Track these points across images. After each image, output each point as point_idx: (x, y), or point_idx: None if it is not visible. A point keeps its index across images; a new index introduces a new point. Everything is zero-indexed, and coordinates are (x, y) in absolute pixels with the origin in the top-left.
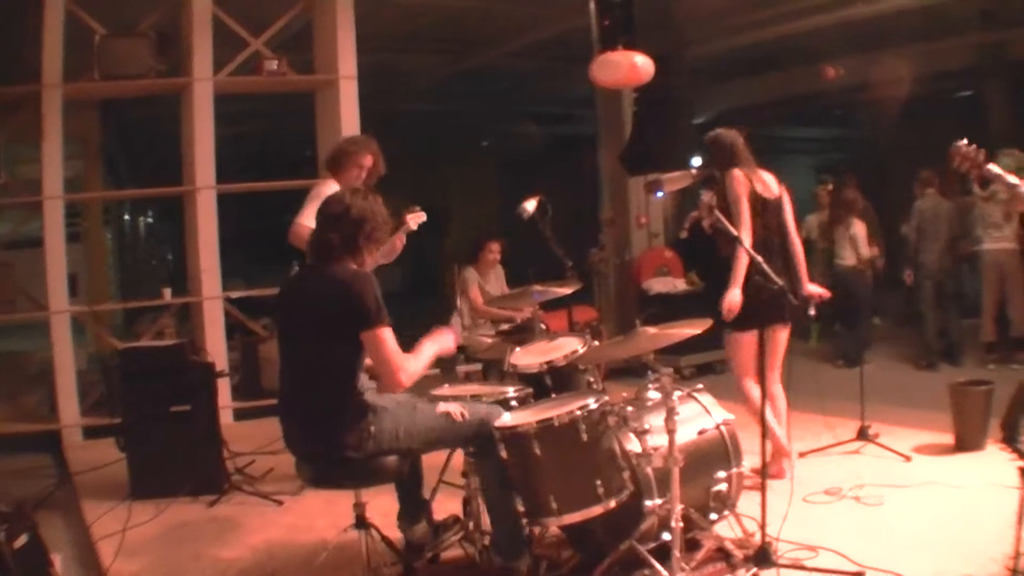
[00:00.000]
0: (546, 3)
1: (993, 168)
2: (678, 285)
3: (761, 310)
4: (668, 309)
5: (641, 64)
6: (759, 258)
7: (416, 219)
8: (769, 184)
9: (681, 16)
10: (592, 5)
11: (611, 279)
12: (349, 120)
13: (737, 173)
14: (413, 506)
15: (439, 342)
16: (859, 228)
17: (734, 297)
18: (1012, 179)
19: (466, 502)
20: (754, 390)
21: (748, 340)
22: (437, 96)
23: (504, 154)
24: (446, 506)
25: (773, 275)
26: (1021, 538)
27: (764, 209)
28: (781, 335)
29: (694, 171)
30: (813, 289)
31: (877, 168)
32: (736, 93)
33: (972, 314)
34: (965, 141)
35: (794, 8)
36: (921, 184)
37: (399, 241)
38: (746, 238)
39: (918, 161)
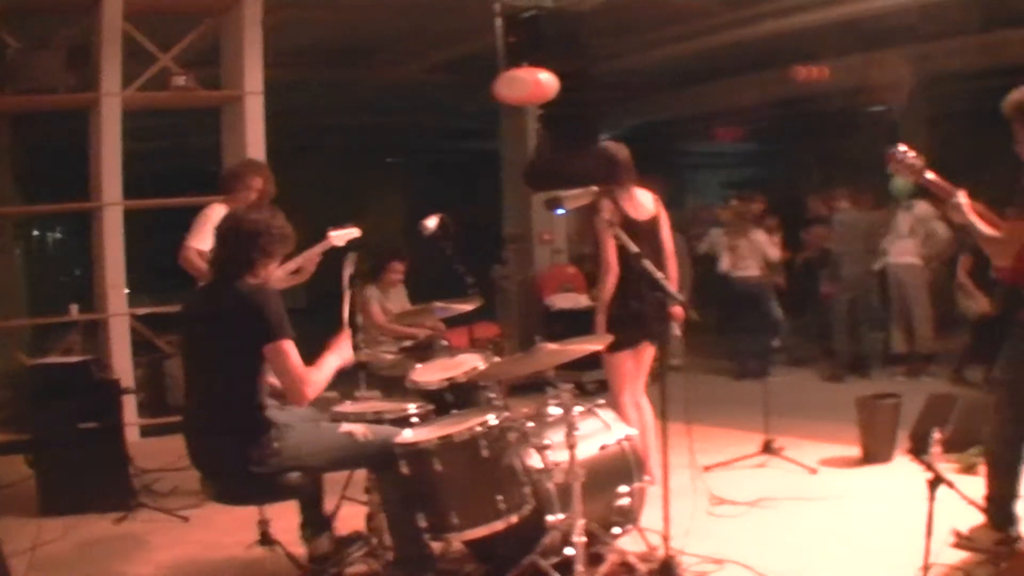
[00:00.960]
0: (457, 20)
1: (932, 177)
2: (581, 301)
3: (631, 331)
4: (571, 325)
5: (545, 81)
6: (659, 274)
7: (343, 236)
8: (643, 205)
9: (589, 33)
10: (499, 22)
11: (514, 295)
12: (255, 136)
13: (607, 203)
14: (315, 518)
15: (339, 353)
16: (760, 235)
17: (599, 326)
18: (951, 189)
19: (369, 518)
20: (631, 408)
21: (620, 360)
22: (348, 111)
23: (412, 170)
24: (349, 522)
25: (670, 289)
26: (931, 550)
27: (635, 232)
28: (649, 352)
29: (595, 188)
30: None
31: (789, 182)
32: (645, 109)
33: (880, 327)
34: (903, 147)
35: (706, 25)
36: (836, 198)
37: (312, 261)
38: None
39: (831, 175)
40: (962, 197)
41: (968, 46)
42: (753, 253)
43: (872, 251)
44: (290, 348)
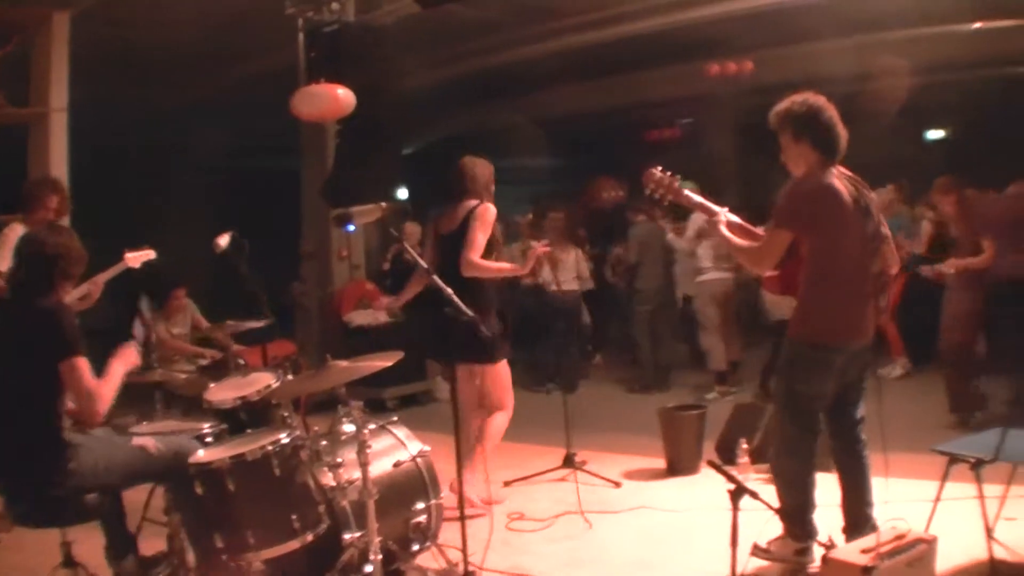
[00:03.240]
0: (260, 36)
1: (691, 195)
2: (379, 317)
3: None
4: (370, 342)
5: (343, 96)
6: (449, 290)
7: (139, 257)
8: (456, 217)
9: (392, 47)
10: (300, 37)
11: (313, 312)
12: (58, 154)
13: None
14: (120, 540)
15: (124, 360)
16: (578, 253)
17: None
18: (714, 206)
19: (170, 539)
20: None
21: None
22: (152, 128)
23: (216, 187)
24: (152, 544)
25: (463, 307)
26: (737, 559)
27: (440, 244)
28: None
29: (384, 204)
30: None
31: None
32: (448, 123)
33: (684, 339)
34: (659, 168)
35: (508, 38)
36: (632, 211)
37: (96, 287)
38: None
39: (635, 188)
40: (726, 214)
41: (768, 58)
42: (572, 267)
43: (670, 264)
44: (84, 365)
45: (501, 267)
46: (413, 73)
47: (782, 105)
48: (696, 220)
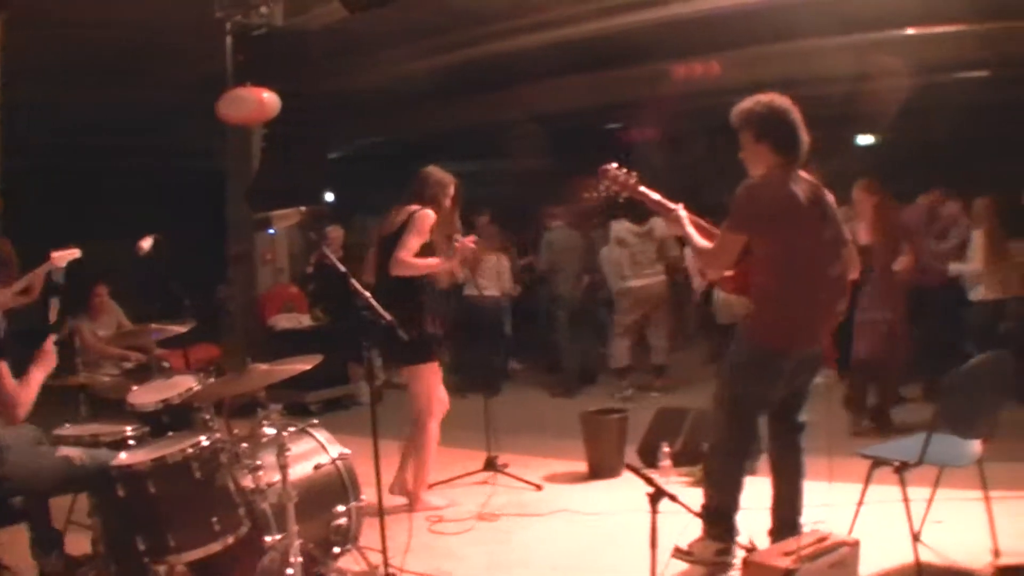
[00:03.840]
0: (190, 40)
1: (649, 193)
2: (303, 321)
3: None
4: (294, 345)
5: (268, 99)
6: (367, 294)
7: (65, 256)
8: (396, 220)
9: (320, 51)
10: (228, 40)
11: (238, 316)
12: None
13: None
14: (45, 536)
15: (43, 364)
16: (502, 260)
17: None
18: (669, 204)
19: (95, 542)
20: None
21: None
22: (84, 131)
23: (143, 189)
24: (78, 546)
25: (381, 310)
26: (657, 561)
27: (381, 245)
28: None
29: (303, 208)
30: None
31: (518, 202)
32: (377, 128)
33: (604, 344)
34: (615, 164)
35: (439, 44)
36: (549, 217)
37: (37, 280)
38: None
39: (560, 194)
40: (682, 210)
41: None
42: (495, 273)
43: (589, 269)
44: (3, 370)
45: (429, 263)
46: (343, 77)
47: (745, 104)
48: (615, 229)
